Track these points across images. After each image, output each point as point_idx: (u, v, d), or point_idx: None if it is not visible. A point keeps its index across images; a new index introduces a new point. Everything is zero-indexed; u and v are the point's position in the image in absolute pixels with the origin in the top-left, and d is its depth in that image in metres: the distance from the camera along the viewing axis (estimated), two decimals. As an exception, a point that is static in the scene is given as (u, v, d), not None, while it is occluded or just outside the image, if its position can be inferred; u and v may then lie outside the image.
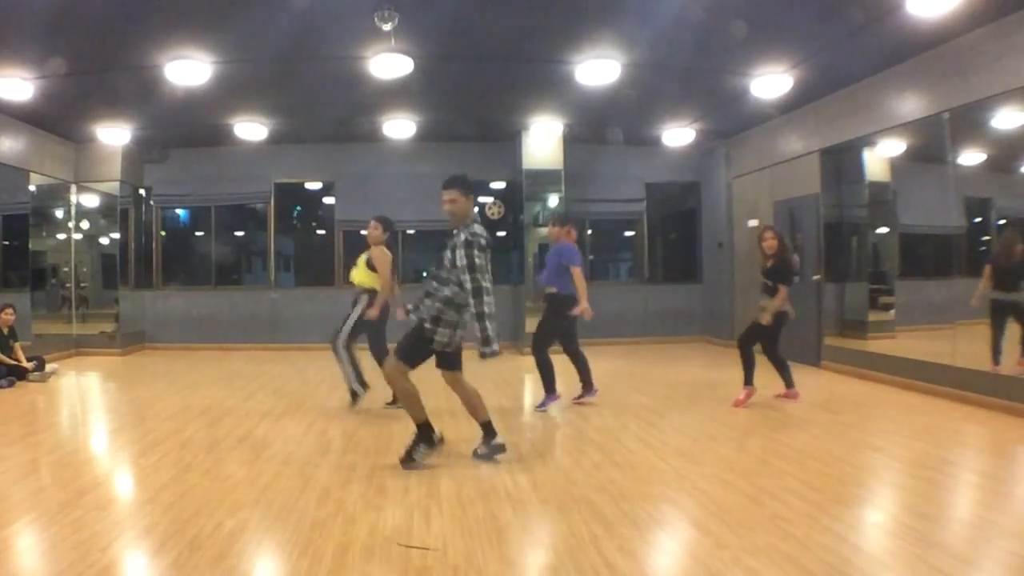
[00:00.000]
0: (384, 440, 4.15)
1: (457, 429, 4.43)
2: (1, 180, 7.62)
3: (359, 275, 5.00)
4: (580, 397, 5.17)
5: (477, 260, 3.42)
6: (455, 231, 3.56)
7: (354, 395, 4.99)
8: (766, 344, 5.13)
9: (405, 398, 3.58)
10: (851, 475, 3.45)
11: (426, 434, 3.58)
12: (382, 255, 4.93)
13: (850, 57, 5.68)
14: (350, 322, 4.93)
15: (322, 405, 5.22)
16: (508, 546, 2.57)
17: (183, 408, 5.18)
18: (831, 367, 6.79)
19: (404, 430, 4.27)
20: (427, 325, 3.51)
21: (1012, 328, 4.88)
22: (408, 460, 3.54)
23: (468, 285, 3.40)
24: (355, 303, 4.97)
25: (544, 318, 5.14)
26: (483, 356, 3.44)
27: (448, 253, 3.53)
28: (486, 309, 3.41)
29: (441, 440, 3.65)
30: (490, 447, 3.68)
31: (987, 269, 5.07)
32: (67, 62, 5.58)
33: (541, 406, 5.02)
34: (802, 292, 7.15)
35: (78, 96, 6.62)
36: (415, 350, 3.57)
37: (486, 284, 3.43)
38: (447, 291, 3.50)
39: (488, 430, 3.69)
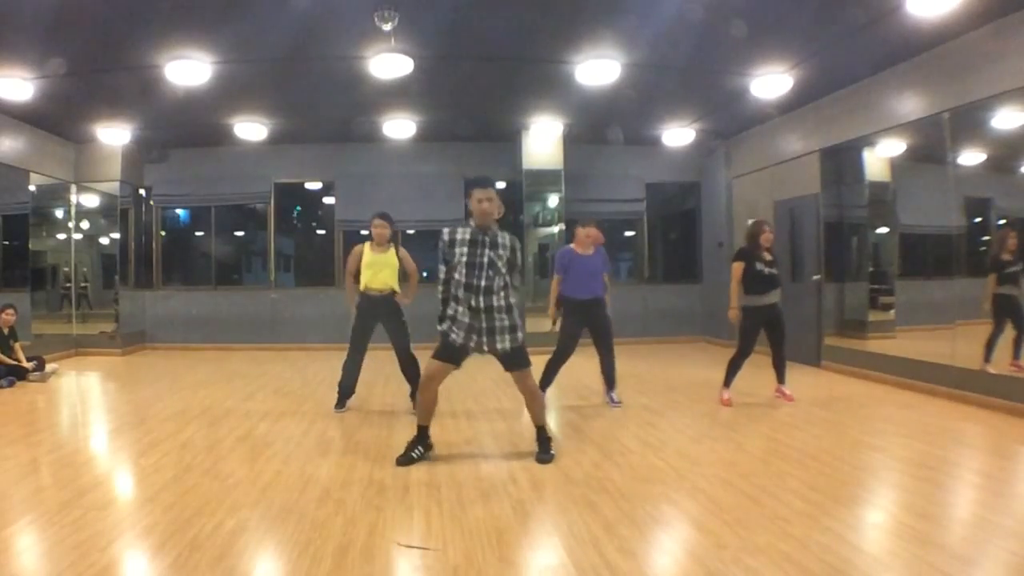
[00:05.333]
0: (384, 440, 4.14)
1: (458, 429, 4.44)
2: (1, 180, 7.61)
3: (390, 277, 4.90)
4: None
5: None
6: (482, 232, 3.57)
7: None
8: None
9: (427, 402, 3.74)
10: (851, 475, 3.45)
11: (424, 436, 3.75)
12: (409, 257, 4.99)
13: (850, 57, 5.68)
14: (406, 328, 4.93)
15: (322, 405, 5.22)
16: (508, 546, 2.57)
17: (183, 408, 5.18)
18: (831, 367, 6.79)
19: (403, 430, 4.29)
20: (508, 346, 3.56)
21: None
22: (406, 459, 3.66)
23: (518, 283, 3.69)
24: (392, 308, 4.91)
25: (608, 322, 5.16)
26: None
27: (495, 252, 3.54)
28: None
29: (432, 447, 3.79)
30: (546, 453, 3.71)
31: None
32: (67, 62, 5.58)
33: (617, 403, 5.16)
34: (802, 292, 7.18)
35: (78, 96, 6.62)
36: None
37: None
38: (511, 297, 3.60)
39: (543, 434, 3.77)
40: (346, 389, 5.05)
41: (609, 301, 5.14)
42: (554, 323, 5.17)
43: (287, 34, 5.09)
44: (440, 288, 3.64)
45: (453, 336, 3.54)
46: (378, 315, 4.90)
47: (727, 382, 5.21)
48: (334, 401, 5.07)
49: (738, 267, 5.12)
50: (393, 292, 4.91)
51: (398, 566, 2.43)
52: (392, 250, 4.94)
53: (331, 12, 4.79)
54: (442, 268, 3.63)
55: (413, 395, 4.79)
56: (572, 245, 5.18)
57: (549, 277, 8.74)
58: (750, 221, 8.37)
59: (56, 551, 2.48)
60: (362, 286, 4.87)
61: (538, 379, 4.74)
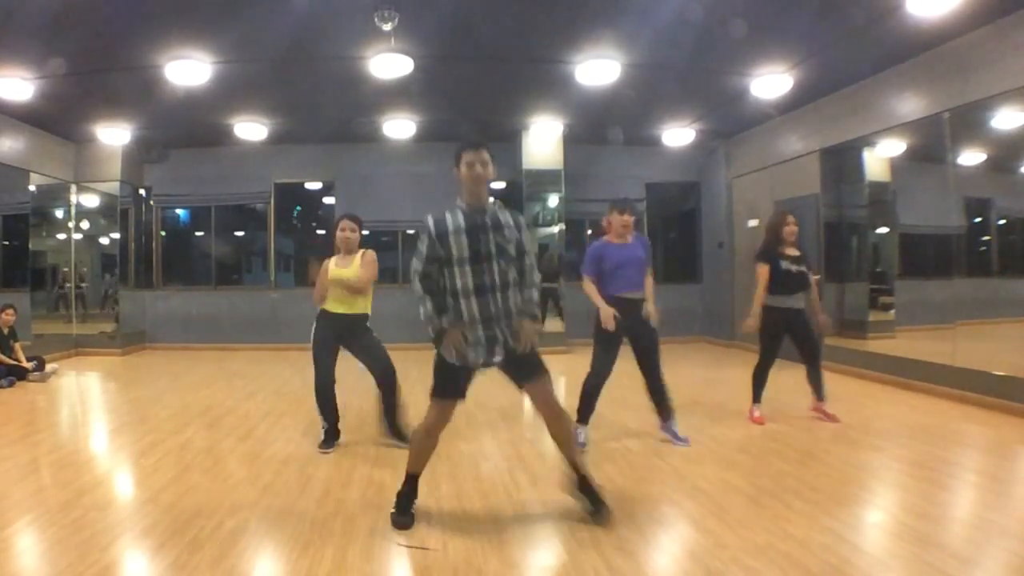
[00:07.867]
0: (384, 441, 4.14)
1: (458, 429, 4.43)
2: (1, 180, 7.62)
3: (359, 303, 4.00)
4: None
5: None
6: (479, 213, 2.71)
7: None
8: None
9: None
10: (851, 475, 3.45)
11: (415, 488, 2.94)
12: (374, 262, 4.07)
13: (850, 57, 5.68)
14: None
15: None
16: (508, 546, 2.57)
17: (183, 408, 5.18)
18: (831, 367, 6.76)
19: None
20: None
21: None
22: None
23: (533, 274, 2.83)
24: (364, 331, 4.01)
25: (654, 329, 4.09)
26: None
27: (500, 235, 2.70)
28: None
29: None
30: (598, 504, 2.83)
31: None
32: (67, 62, 5.58)
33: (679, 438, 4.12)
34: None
35: (78, 96, 6.62)
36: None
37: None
38: (529, 278, 2.82)
39: (583, 480, 2.85)
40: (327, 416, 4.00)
41: (653, 300, 4.05)
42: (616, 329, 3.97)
43: (287, 34, 5.10)
44: (419, 285, 2.74)
45: (471, 358, 2.71)
46: (341, 335, 3.96)
47: (756, 397, 4.59)
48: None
49: (764, 271, 4.42)
50: (363, 315, 4.00)
51: (398, 566, 2.43)
52: (356, 260, 3.98)
53: (331, 12, 4.80)
54: (418, 262, 2.73)
55: (392, 424, 4.02)
56: (605, 237, 4.12)
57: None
58: (750, 223, 8.46)
59: (56, 551, 2.48)
60: (325, 304, 3.98)
61: (573, 412, 3.80)
